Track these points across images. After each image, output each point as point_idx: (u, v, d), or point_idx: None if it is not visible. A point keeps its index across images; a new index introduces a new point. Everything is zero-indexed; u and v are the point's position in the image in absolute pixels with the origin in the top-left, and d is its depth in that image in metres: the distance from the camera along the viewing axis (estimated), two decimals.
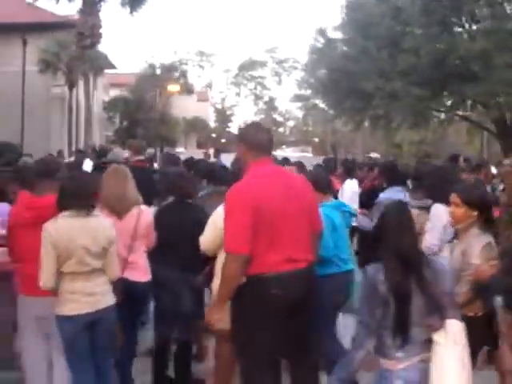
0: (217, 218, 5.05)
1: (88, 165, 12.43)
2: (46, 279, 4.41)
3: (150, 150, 18.10)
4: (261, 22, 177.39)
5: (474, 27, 24.85)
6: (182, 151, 30.24)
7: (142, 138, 42.29)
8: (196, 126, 57.93)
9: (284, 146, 74.17)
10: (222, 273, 4.19)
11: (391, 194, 7.45)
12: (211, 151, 55.27)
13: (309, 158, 42.84)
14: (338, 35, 31.35)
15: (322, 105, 50.61)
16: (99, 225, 4.63)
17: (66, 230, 4.44)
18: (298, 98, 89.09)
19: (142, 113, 40.38)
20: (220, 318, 4.22)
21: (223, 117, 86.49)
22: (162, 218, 5.69)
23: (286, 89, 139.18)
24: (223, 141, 71.56)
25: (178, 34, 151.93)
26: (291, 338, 4.26)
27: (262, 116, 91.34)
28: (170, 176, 6.34)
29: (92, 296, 4.54)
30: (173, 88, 39.79)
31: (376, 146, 66.47)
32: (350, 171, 11.73)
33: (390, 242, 3.68)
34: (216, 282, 4.86)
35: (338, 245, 5.70)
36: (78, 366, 4.53)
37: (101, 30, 23.68)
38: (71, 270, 4.46)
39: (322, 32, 31.55)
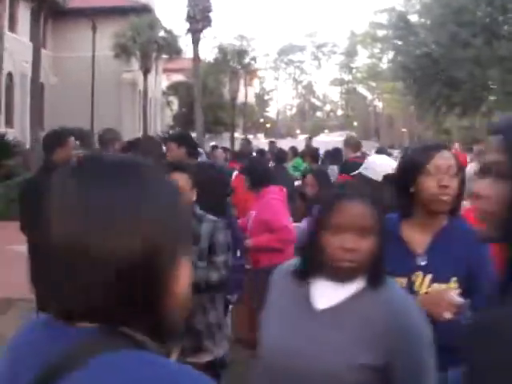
0: None
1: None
2: None
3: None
4: (300, 6, 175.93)
5: None
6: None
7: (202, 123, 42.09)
8: (245, 110, 57.46)
9: (327, 131, 73.75)
10: None
11: None
12: (259, 136, 54.59)
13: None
14: (415, 19, 30.72)
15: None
16: None
17: None
18: (337, 81, 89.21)
19: (203, 98, 39.97)
20: None
21: (262, 101, 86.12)
22: None
23: (325, 73, 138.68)
24: (268, 125, 71.46)
25: (219, 18, 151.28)
26: None
27: (301, 100, 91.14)
28: None
29: None
30: (261, 74, 39.35)
31: (422, 131, 65.95)
32: None
33: None
34: None
35: None
36: None
37: (210, 14, 23.14)
38: None
39: (401, 16, 30.85)
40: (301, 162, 15.29)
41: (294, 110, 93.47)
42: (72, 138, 5.42)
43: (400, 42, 30.49)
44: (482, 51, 24.15)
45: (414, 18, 31.82)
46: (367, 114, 77.87)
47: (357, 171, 5.15)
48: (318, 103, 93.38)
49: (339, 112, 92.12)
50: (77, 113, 31.35)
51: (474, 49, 24.42)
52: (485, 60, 24.12)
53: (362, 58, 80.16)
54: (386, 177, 4.25)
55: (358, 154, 9.51)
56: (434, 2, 27.18)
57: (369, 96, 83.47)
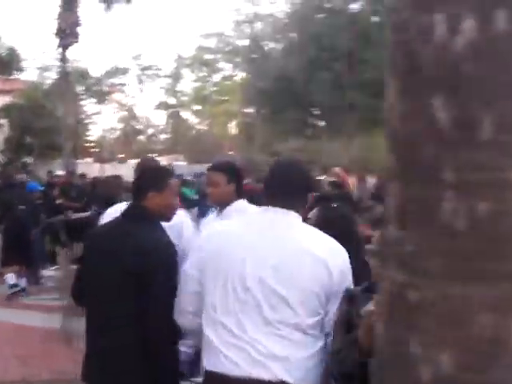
0: None
1: None
2: None
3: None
4: (126, 28, 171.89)
5: None
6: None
7: (36, 147, 39.66)
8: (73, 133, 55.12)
9: (156, 155, 72.66)
10: None
11: None
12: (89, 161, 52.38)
13: (184, 166, 42.46)
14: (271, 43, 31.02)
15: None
16: None
17: None
18: (162, 105, 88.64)
19: (40, 121, 37.71)
20: None
21: (83, 124, 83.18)
22: None
23: (149, 96, 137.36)
24: (97, 150, 69.15)
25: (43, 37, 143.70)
26: None
27: (123, 124, 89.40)
28: None
29: None
30: (117, 97, 37.46)
31: (252, 154, 66.89)
32: None
33: None
34: None
35: None
36: None
37: (78, 29, 21.52)
38: None
39: (255, 42, 30.90)
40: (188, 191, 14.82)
41: (118, 133, 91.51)
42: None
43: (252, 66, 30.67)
44: (343, 75, 24.80)
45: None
46: (193, 138, 78.02)
47: None
48: (140, 127, 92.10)
49: (163, 136, 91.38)
50: None
51: (335, 73, 24.99)
52: (346, 84, 24.77)
53: (187, 82, 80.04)
54: None
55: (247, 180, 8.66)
56: (290, 28, 27.59)
57: (193, 119, 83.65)
